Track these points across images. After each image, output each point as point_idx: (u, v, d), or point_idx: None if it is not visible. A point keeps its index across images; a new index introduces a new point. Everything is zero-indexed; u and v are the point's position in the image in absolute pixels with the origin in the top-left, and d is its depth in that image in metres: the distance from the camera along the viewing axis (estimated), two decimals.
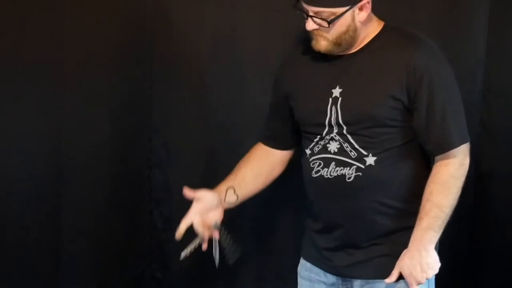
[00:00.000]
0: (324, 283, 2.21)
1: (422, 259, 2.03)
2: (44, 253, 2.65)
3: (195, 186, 2.69)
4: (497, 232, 2.67)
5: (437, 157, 2.07)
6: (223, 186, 2.24)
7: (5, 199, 2.58)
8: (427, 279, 2.05)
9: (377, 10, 2.18)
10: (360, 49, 2.10)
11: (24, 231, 2.61)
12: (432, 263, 2.04)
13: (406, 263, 2.04)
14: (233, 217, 2.70)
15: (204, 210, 2.19)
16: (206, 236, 2.19)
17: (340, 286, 2.18)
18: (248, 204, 2.69)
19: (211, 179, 2.69)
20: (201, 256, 2.74)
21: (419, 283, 2.04)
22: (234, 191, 2.24)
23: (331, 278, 2.19)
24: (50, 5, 2.53)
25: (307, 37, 2.17)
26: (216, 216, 2.20)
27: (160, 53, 2.62)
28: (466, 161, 2.08)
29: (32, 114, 2.56)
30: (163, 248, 2.72)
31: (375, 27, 2.11)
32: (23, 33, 2.52)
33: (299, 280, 2.30)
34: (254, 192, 2.31)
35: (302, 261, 2.30)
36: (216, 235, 2.19)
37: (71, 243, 2.65)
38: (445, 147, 2.04)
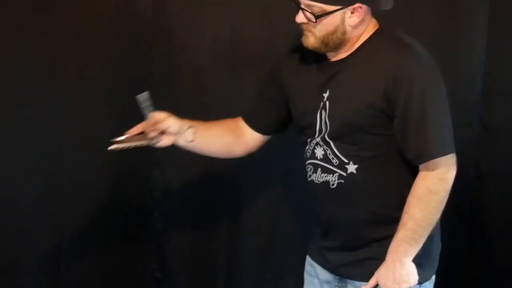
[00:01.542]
0: (319, 278, 2.22)
1: (395, 270, 2.01)
2: (44, 253, 2.65)
3: (195, 186, 2.71)
4: (497, 232, 2.67)
5: (420, 167, 2.02)
6: (187, 122, 2.21)
7: (5, 199, 2.58)
8: None
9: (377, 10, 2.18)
10: (351, 54, 2.08)
11: (24, 231, 2.61)
12: (406, 276, 2.02)
13: (381, 273, 2.03)
14: (233, 217, 2.72)
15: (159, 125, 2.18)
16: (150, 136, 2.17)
17: (336, 284, 2.18)
18: (248, 204, 2.71)
19: (211, 179, 2.70)
20: (201, 256, 2.75)
21: None
22: (193, 135, 2.21)
23: (327, 275, 2.19)
24: (50, 5, 2.53)
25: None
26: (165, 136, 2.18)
27: (160, 53, 2.62)
28: (449, 175, 1.99)
29: (32, 114, 2.56)
30: (163, 248, 2.73)
31: (368, 31, 2.08)
32: (23, 33, 2.52)
33: (304, 275, 2.31)
34: (208, 150, 2.27)
35: (307, 257, 2.30)
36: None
37: (71, 243, 2.65)
38: (423, 158, 1.99)
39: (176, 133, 2.18)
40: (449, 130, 2.02)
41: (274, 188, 2.68)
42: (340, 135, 2.05)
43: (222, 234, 2.72)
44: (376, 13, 2.09)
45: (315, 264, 2.24)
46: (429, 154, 1.98)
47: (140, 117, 2.64)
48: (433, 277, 2.15)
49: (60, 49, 2.55)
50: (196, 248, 2.74)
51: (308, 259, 2.28)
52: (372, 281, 2.05)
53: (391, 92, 1.98)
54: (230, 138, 2.28)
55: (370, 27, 2.09)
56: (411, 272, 2.02)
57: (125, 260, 2.72)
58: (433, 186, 1.98)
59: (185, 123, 2.20)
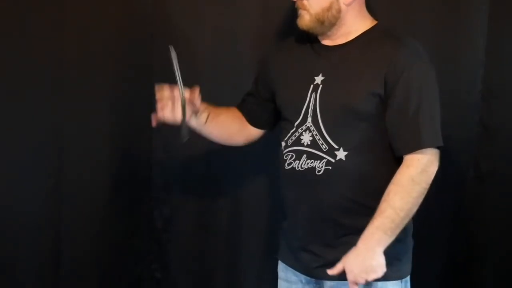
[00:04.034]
0: (301, 281, 2.19)
1: (366, 259, 1.97)
2: (44, 253, 2.65)
3: (195, 186, 2.71)
4: (497, 232, 2.67)
5: (404, 157, 2.01)
6: (203, 105, 2.20)
7: (5, 199, 2.58)
8: (366, 281, 1.98)
9: (377, 10, 2.19)
10: (348, 41, 2.10)
11: (24, 231, 2.61)
12: (375, 267, 1.97)
13: (350, 259, 1.99)
14: (233, 218, 2.72)
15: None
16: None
17: (314, 285, 2.16)
18: (248, 204, 2.71)
19: (211, 179, 2.70)
20: (201, 256, 2.75)
21: (356, 283, 1.98)
22: (207, 119, 2.22)
23: (304, 278, 2.17)
24: (50, 5, 2.53)
25: (297, 34, 2.20)
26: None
27: (160, 53, 2.62)
28: (432, 169, 1.99)
29: (32, 114, 2.56)
30: (163, 248, 2.73)
31: (366, 23, 2.11)
32: (23, 33, 2.52)
33: (279, 281, 2.29)
34: (213, 135, 2.30)
35: (279, 262, 2.29)
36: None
37: (71, 243, 2.65)
38: (413, 146, 1.98)
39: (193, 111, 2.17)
40: (439, 123, 2.03)
41: (274, 188, 2.67)
42: (334, 119, 2.04)
43: (222, 234, 2.72)
44: (374, 11, 2.11)
45: (290, 268, 2.21)
46: (420, 143, 1.98)
47: (140, 120, 2.66)
48: (408, 277, 2.13)
49: (60, 49, 2.56)
50: (196, 248, 2.74)
51: (282, 264, 2.25)
52: (339, 266, 2.00)
53: (391, 79, 1.99)
54: (236, 127, 2.31)
55: (367, 22, 2.12)
56: (381, 264, 1.98)
57: (125, 260, 2.72)
58: (417, 176, 1.97)
59: (203, 106, 2.20)
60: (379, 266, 1.98)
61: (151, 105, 2.63)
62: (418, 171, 1.98)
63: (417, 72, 2.00)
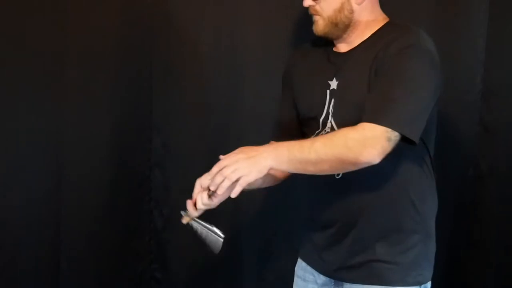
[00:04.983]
0: (316, 282, 2.18)
1: (254, 156, 1.85)
2: (44, 253, 2.65)
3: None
4: (497, 232, 2.67)
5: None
6: None
7: (5, 199, 2.59)
8: (225, 179, 1.88)
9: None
10: (360, 43, 2.07)
11: (24, 231, 2.61)
12: (248, 166, 1.84)
13: (243, 150, 1.90)
14: (233, 218, 2.72)
15: None
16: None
17: (333, 287, 2.14)
18: (248, 204, 2.71)
19: None
20: (201, 256, 2.75)
21: (219, 170, 1.89)
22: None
23: (322, 278, 2.15)
24: (51, 5, 2.53)
25: (314, 38, 2.19)
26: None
27: (160, 53, 2.62)
28: (372, 149, 1.83)
29: (32, 114, 2.56)
30: (163, 248, 2.73)
31: (379, 22, 2.08)
32: (23, 33, 2.52)
33: (295, 278, 2.28)
34: (272, 185, 2.23)
35: (299, 260, 2.28)
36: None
37: (71, 243, 2.65)
38: (370, 117, 1.85)
39: None
40: (416, 115, 1.91)
41: (274, 188, 2.67)
42: (348, 123, 1.96)
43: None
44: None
45: (309, 268, 2.20)
46: (374, 118, 1.86)
47: (140, 120, 2.66)
48: (429, 283, 2.10)
49: (60, 49, 2.56)
50: (196, 248, 2.73)
51: (302, 263, 2.24)
52: (232, 154, 1.91)
53: (381, 60, 1.93)
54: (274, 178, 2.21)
55: (380, 20, 2.08)
56: (254, 170, 1.85)
57: (125, 260, 2.72)
58: (351, 139, 1.85)
59: None
60: (251, 170, 1.86)
61: (151, 105, 2.65)
62: (355, 137, 1.84)
63: (407, 58, 1.91)
